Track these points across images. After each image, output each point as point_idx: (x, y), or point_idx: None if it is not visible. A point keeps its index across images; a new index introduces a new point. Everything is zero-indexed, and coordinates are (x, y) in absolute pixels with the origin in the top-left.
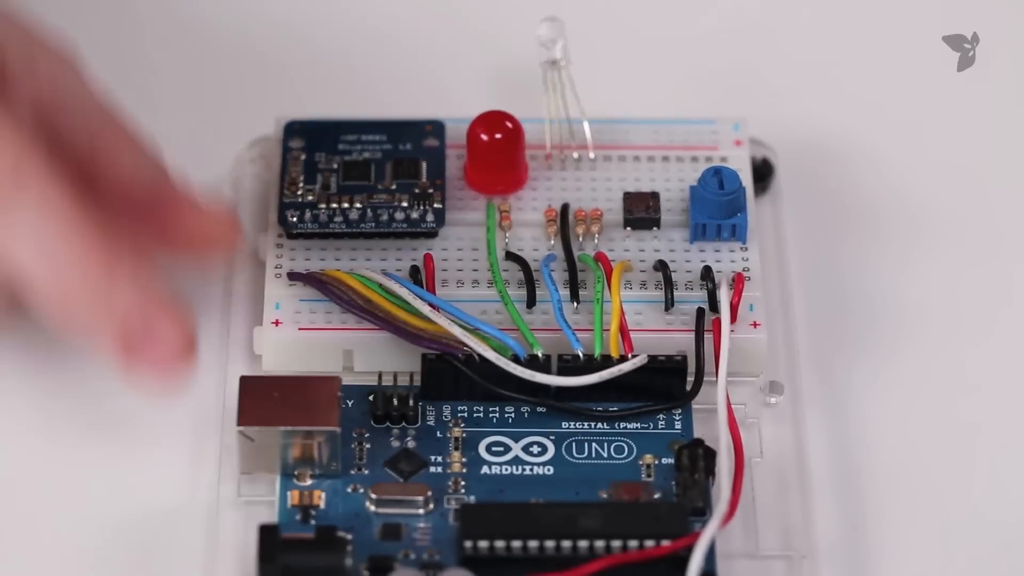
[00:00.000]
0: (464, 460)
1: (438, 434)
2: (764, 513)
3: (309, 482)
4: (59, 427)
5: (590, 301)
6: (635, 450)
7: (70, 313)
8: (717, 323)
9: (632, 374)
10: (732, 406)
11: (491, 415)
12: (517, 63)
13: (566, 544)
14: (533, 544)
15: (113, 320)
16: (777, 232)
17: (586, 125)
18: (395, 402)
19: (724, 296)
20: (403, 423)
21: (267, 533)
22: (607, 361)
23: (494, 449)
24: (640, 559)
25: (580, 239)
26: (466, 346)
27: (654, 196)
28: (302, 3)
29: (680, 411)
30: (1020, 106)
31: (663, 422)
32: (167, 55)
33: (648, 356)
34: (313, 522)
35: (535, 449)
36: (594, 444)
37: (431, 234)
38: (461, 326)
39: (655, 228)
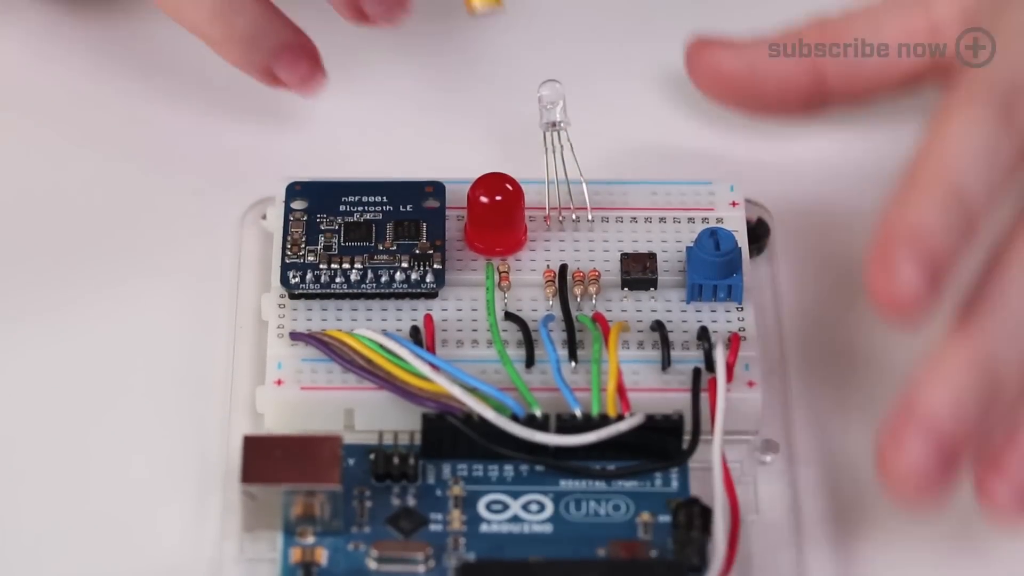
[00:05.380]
0: (464, 518)
1: (438, 492)
2: (759, 570)
3: (311, 539)
4: (63, 481)
5: (588, 361)
6: (632, 508)
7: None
8: (713, 383)
9: (629, 433)
10: (728, 464)
11: (490, 473)
12: (516, 124)
13: None
14: None
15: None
16: (773, 292)
17: (584, 186)
18: (396, 460)
19: (720, 356)
20: (404, 481)
21: None
22: (605, 420)
23: (493, 507)
24: None
25: (578, 300)
26: (466, 405)
27: (651, 257)
28: None
29: (677, 469)
30: None
31: (660, 480)
32: (171, 119)
33: (645, 415)
34: None
35: (534, 507)
36: (592, 502)
37: (431, 295)
38: (461, 386)
39: (652, 289)
